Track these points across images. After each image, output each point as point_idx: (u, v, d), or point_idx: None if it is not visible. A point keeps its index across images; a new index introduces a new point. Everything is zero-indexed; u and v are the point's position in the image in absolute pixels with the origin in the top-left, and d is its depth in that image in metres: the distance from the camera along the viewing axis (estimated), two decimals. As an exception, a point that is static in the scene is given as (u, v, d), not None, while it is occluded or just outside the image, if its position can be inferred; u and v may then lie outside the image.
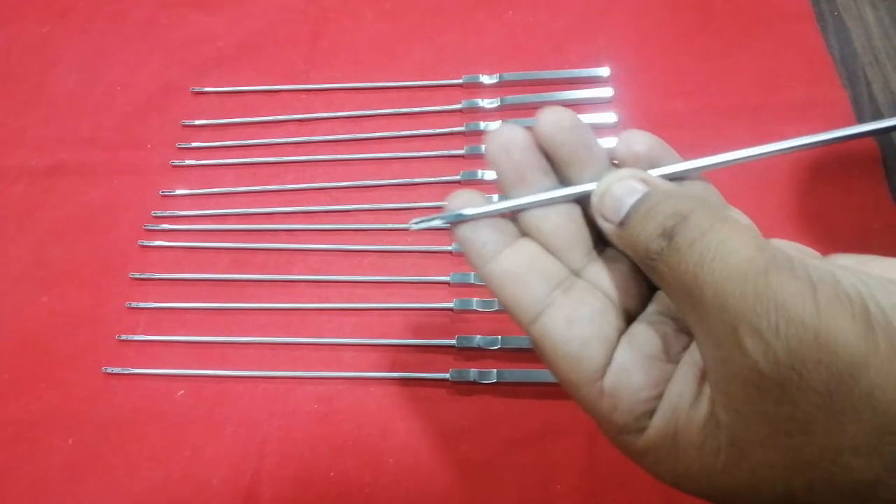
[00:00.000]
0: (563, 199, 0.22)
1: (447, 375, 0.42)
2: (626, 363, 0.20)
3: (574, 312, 0.21)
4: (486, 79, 0.53)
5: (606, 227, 0.21)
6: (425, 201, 0.49)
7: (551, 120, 0.22)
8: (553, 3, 0.56)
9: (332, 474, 0.41)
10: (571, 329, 0.20)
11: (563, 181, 0.23)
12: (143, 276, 0.48)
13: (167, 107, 0.55)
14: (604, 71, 0.52)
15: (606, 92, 0.51)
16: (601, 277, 0.22)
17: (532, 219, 0.22)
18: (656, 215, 0.19)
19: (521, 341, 0.43)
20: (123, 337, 0.46)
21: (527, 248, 0.22)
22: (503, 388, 0.42)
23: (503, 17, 0.56)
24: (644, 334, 0.21)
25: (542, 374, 0.42)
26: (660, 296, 0.22)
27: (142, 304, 0.47)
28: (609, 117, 0.50)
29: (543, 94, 0.52)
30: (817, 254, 0.21)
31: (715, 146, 0.50)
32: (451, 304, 0.45)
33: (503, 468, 0.40)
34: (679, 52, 0.53)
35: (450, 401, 0.42)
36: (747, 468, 0.18)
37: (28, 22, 0.59)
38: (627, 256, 0.21)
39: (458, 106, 0.52)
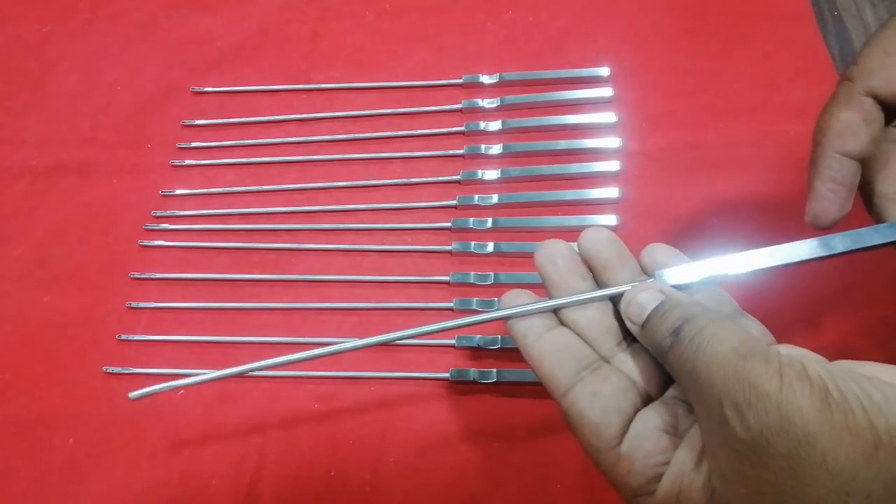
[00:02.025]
0: (597, 298, 0.26)
1: (447, 375, 0.42)
2: (639, 433, 0.24)
3: (598, 388, 0.24)
4: (485, 78, 0.53)
5: (632, 327, 0.25)
6: (425, 201, 0.49)
7: (591, 236, 0.27)
8: (553, 2, 0.56)
9: (332, 473, 0.41)
10: (594, 401, 0.24)
11: (600, 283, 0.27)
12: (143, 276, 0.48)
13: (167, 107, 0.55)
14: (604, 71, 0.52)
15: (606, 92, 0.51)
16: (626, 364, 0.26)
17: (571, 313, 0.27)
18: (668, 318, 0.24)
19: (520, 341, 0.43)
20: (123, 337, 0.46)
21: (564, 334, 0.26)
22: (503, 388, 0.42)
23: (503, 17, 0.56)
24: (658, 411, 0.24)
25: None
26: (676, 384, 0.26)
27: (142, 304, 0.47)
28: (609, 117, 0.50)
29: (543, 94, 0.52)
30: (822, 359, 0.24)
31: (714, 146, 0.50)
32: (451, 304, 0.45)
33: (503, 468, 0.40)
34: (679, 52, 0.53)
35: (450, 400, 0.42)
36: None
37: (28, 22, 0.59)
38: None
39: (458, 106, 0.52)
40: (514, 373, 0.42)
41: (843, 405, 0.19)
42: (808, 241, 0.26)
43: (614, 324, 0.27)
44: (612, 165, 0.48)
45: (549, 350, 0.26)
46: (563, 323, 0.27)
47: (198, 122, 0.54)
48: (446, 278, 0.45)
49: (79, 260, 0.49)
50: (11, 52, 0.58)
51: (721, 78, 0.51)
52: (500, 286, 0.45)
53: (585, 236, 0.27)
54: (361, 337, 0.44)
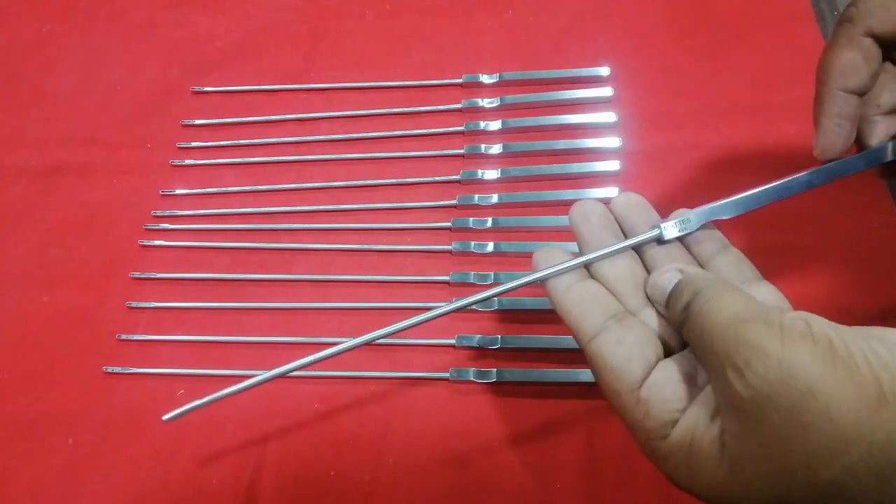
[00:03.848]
0: (620, 250, 0.28)
1: (447, 375, 0.42)
2: (659, 380, 0.25)
3: (623, 336, 0.26)
4: (485, 78, 0.53)
5: (659, 310, 0.27)
6: (425, 201, 0.49)
7: (623, 200, 0.29)
8: (553, 2, 0.56)
9: (332, 473, 0.41)
10: (619, 348, 0.25)
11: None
12: (143, 276, 0.48)
13: (167, 106, 0.55)
14: (603, 70, 0.52)
15: (606, 91, 0.51)
16: (651, 319, 0.27)
17: (600, 267, 0.28)
18: (682, 294, 0.25)
19: (520, 341, 0.43)
20: (123, 336, 0.46)
21: (593, 286, 0.27)
22: (503, 388, 0.42)
23: (503, 17, 0.56)
24: (678, 362, 0.25)
25: (541, 374, 0.42)
26: None
27: (142, 304, 0.47)
28: (608, 117, 0.50)
29: (543, 94, 0.52)
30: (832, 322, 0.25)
31: (714, 146, 0.50)
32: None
33: (502, 467, 0.40)
34: (679, 52, 0.53)
35: (450, 400, 0.42)
36: (742, 479, 0.22)
37: (28, 22, 0.59)
38: None
39: (458, 105, 0.52)
40: (513, 373, 0.42)
41: (847, 360, 0.20)
42: (791, 177, 0.29)
43: (642, 280, 0.28)
44: (612, 165, 0.48)
45: (578, 300, 0.27)
46: (593, 277, 0.28)
47: (197, 121, 0.54)
48: (446, 278, 0.45)
49: (78, 260, 0.49)
50: (11, 52, 0.58)
51: (721, 78, 0.51)
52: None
53: (618, 200, 0.29)
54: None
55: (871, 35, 0.28)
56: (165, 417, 0.29)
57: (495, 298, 0.44)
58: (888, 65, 0.30)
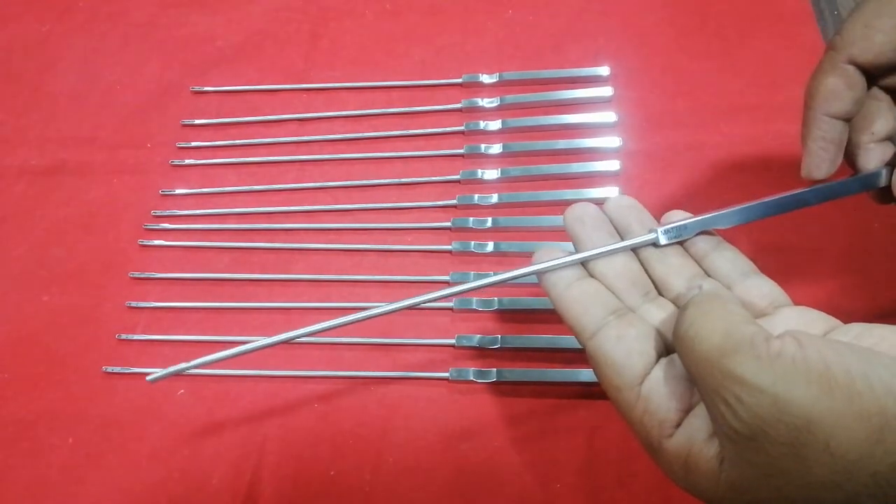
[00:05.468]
0: (619, 249, 0.28)
1: (447, 374, 0.42)
2: (660, 377, 0.25)
3: (623, 332, 0.25)
4: (485, 78, 0.53)
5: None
6: (425, 200, 0.49)
7: (615, 203, 0.30)
8: (553, 2, 0.56)
9: (332, 473, 0.41)
10: (619, 343, 0.25)
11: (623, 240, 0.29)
12: (143, 276, 0.48)
13: (167, 106, 0.55)
14: (603, 70, 0.52)
15: (606, 91, 0.51)
16: (652, 315, 0.27)
17: (598, 265, 0.28)
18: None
19: (520, 341, 0.43)
20: (123, 336, 0.46)
21: (593, 284, 0.28)
22: (503, 388, 0.42)
23: (503, 17, 0.56)
24: (679, 361, 0.25)
25: (541, 374, 0.42)
26: None
27: (142, 304, 0.47)
28: (608, 116, 0.50)
29: (543, 94, 0.52)
30: (832, 323, 0.25)
31: (714, 145, 0.50)
32: (451, 304, 0.45)
33: (503, 467, 0.40)
34: (679, 52, 0.53)
35: (449, 400, 0.42)
36: (742, 500, 0.22)
37: (28, 22, 0.60)
38: (676, 305, 0.28)
39: (458, 105, 0.52)
40: (513, 372, 0.42)
41: (848, 388, 0.19)
42: (787, 194, 0.30)
43: (640, 277, 0.28)
44: (612, 165, 0.48)
45: (578, 297, 0.27)
46: (591, 275, 0.28)
47: (197, 121, 0.54)
48: (446, 278, 0.45)
49: (79, 259, 0.49)
50: (11, 52, 0.58)
51: (721, 77, 0.51)
52: (500, 285, 0.45)
53: (610, 203, 0.30)
54: (362, 336, 0.44)
55: (853, 63, 0.29)
56: (150, 378, 0.29)
57: (495, 299, 0.44)
58: (879, 92, 0.30)
